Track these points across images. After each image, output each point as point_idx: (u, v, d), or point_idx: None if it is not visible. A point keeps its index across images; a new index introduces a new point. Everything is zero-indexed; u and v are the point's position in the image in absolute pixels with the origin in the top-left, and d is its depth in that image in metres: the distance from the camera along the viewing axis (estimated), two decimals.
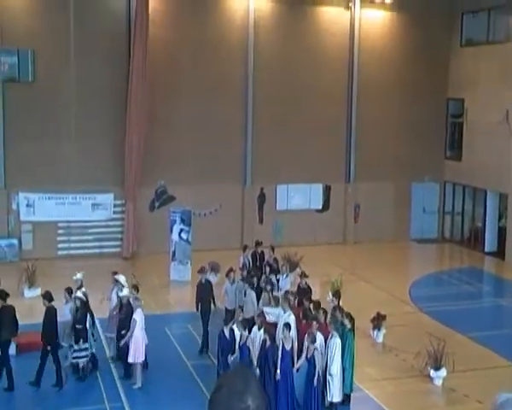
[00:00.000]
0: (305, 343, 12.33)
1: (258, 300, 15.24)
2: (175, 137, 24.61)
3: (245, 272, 16.94)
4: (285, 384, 12.17)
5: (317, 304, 13.95)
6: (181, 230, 21.45)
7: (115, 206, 24.29)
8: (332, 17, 26.42)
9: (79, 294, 13.95)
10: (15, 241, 23.06)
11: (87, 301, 14.10)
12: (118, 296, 14.50)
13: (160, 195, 24.94)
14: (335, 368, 12.53)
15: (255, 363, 12.43)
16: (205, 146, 24.94)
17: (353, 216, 27.33)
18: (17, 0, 22.79)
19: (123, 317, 13.83)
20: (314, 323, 12.69)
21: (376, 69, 26.94)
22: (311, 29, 26.16)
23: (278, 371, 12.14)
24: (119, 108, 23.52)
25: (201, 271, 16.27)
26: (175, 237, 21.44)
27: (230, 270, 16.39)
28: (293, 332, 12.98)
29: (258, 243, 19.39)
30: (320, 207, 27.06)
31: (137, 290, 14.48)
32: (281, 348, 12.30)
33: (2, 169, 23.13)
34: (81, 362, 13.66)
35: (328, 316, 13.48)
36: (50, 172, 23.23)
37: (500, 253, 25.61)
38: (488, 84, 25.76)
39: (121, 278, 14.89)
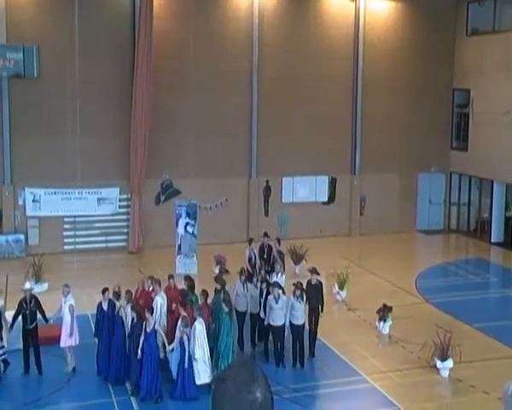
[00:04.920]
0: (179, 327, 13.02)
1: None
2: (180, 130, 24.61)
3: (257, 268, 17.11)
4: (148, 361, 12.88)
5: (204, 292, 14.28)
6: (187, 223, 21.46)
7: (121, 200, 24.31)
8: (336, 9, 26.29)
9: None
10: (22, 236, 23.13)
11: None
12: None
13: (165, 188, 24.97)
14: (198, 353, 12.83)
15: (126, 333, 13.35)
16: (210, 139, 24.93)
17: (359, 208, 27.29)
18: None
19: (34, 309, 14.03)
20: (181, 309, 13.38)
21: (381, 60, 26.81)
22: (316, 21, 26.04)
23: (139, 350, 12.92)
24: (124, 102, 23.51)
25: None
26: (181, 230, 21.44)
27: (242, 271, 15.83)
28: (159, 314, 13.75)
29: (265, 235, 19.39)
30: (326, 199, 27.01)
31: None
32: (144, 328, 13.06)
33: (9, 165, 23.19)
34: None
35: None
36: (56, 167, 23.29)
37: (507, 243, 25.52)
38: (494, 74, 25.60)
39: None
